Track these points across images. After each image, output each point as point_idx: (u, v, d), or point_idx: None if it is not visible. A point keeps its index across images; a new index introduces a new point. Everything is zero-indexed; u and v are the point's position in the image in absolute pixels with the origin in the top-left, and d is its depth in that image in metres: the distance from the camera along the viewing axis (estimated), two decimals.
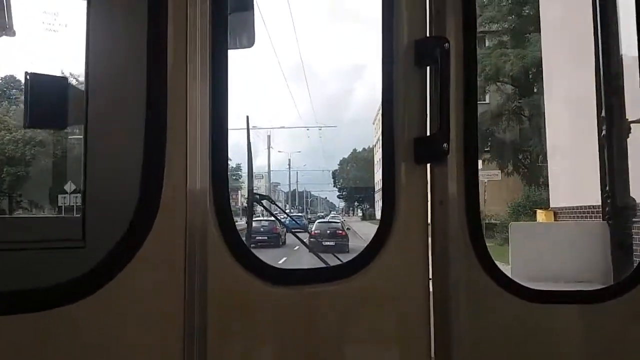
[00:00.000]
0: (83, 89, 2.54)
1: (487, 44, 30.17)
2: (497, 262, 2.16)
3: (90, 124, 2.50)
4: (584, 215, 8.63)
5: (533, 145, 28.54)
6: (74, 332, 1.78)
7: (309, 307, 2.02)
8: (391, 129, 2.09)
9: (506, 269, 3.70)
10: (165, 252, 1.86)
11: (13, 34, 3.54)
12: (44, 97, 2.66)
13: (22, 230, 2.93)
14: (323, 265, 2.64)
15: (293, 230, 3.57)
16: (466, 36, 2.15)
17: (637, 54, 2.49)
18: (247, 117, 3.61)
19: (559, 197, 10.04)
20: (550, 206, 10.59)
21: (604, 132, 3.62)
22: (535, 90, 28.58)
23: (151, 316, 1.84)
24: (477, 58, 2.22)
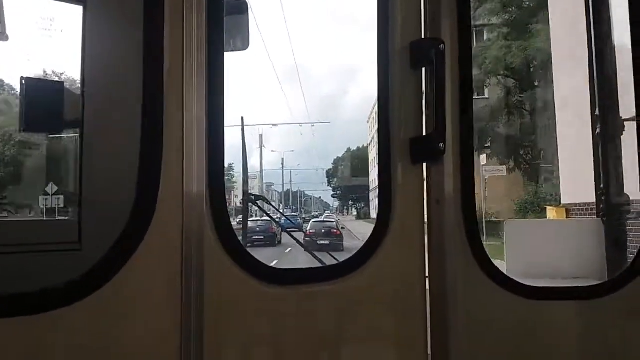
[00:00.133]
0: (79, 92, 2.53)
1: (486, 38, 29.41)
2: (502, 262, 2.17)
3: (86, 128, 2.50)
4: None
5: (535, 141, 28.00)
6: (70, 335, 1.77)
7: (306, 307, 2.02)
8: (387, 129, 2.10)
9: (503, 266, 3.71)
10: (162, 255, 1.85)
11: (6, 38, 3.53)
12: (40, 101, 2.65)
13: (18, 233, 2.92)
14: (319, 264, 2.64)
15: (288, 229, 3.58)
16: (461, 37, 2.16)
17: (630, 52, 2.51)
18: (242, 119, 3.60)
19: (571, 193, 9.86)
20: (562, 203, 10.40)
21: (598, 130, 3.66)
22: (536, 84, 27.91)
23: (148, 319, 1.84)
24: (474, 55, 2.23)
